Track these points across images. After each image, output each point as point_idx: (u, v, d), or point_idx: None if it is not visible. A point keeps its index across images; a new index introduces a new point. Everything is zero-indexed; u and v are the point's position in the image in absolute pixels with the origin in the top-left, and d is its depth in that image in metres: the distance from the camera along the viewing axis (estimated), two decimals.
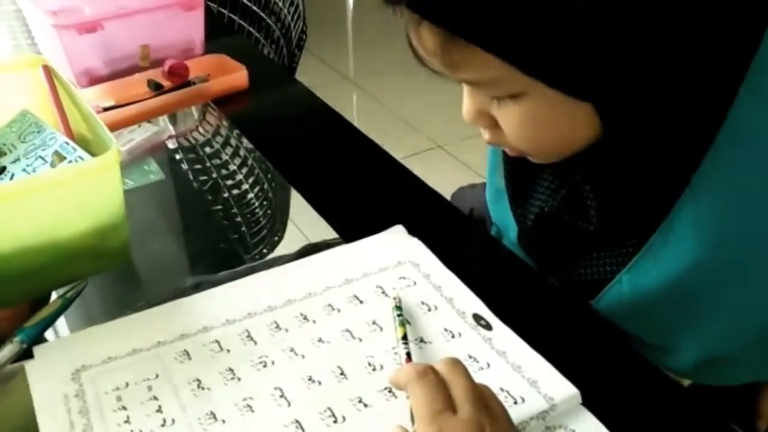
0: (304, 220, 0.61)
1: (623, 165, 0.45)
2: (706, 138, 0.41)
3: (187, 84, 0.75)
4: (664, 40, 0.37)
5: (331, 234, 0.56)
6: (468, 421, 0.33)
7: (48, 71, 0.55)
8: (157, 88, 0.75)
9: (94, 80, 0.75)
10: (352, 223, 0.57)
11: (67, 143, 0.52)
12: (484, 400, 0.35)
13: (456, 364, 0.36)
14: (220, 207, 0.65)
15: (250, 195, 0.67)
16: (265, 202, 0.67)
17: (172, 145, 0.73)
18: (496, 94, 0.43)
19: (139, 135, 0.71)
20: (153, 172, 0.68)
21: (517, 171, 0.55)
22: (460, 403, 0.34)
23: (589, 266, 0.50)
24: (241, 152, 0.72)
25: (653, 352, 0.48)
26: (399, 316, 0.45)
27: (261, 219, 0.65)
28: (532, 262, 0.56)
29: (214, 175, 0.68)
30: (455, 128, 1.99)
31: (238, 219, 0.64)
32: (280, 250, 0.61)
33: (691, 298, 0.46)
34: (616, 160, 0.45)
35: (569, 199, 0.50)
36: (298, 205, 0.62)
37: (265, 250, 0.62)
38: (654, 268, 0.46)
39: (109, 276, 0.54)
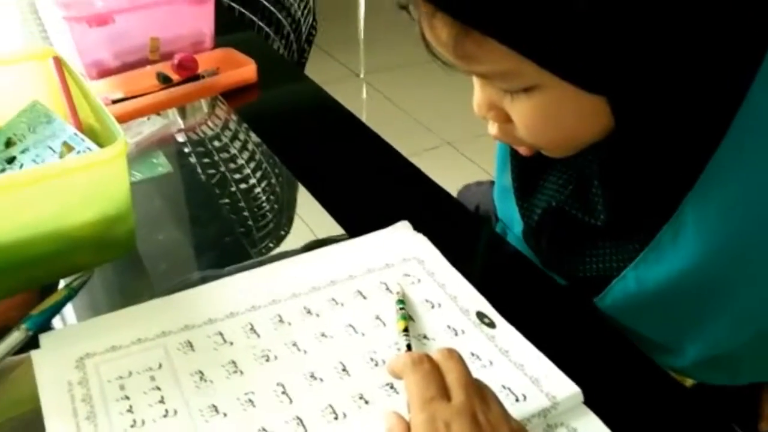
0: (311, 216, 0.61)
1: (634, 159, 0.45)
2: (716, 133, 0.41)
3: (196, 77, 0.75)
4: (677, 31, 0.37)
5: (337, 230, 0.56)
6: (460, 408, 0.33)
7: (58, 63, 0.56)
8: (166, 81, 0.75)
9: (104, 72, 0.76)
10: (358, 218, 0.57)
11: (76, 134, 0.52)
12: (478, 388, 0.35)
13: (451, 353, 0.36)
14: (227, 201, 0.65)
15: (258, 189, 0.67)
16: (272, 197, 0.67)
17: (180, 138, 0.73)
18: (508, 87, 0.42)
19: (148, 128, 0.72)
20: (161, 164, 0.68)
21: (525, 166, 0.54)
22: (454, 390, 0.34)
23: (594, 262, 0.50)
24: (249, 146, 0.72)
25: (656, 350, 0.48)
26: (401, 309, 0.45)
27: (268, 213, 0.65)
28: (536, 259, 0.56)
29: (222, 169, 0.68)
30: (465, 126, 1.99)
31: (245, 213, 0.64)
32: (287, 245, 0.61)
33: (697, 295, 0.45)
34: (628, 155, 0.45)
35: (577, 195, 0.50)
36: (306, 200, 0.62)
37: (271, 245, 0.62)
38: (660, 265, 0.45)
39: (115, 267, 0.54)
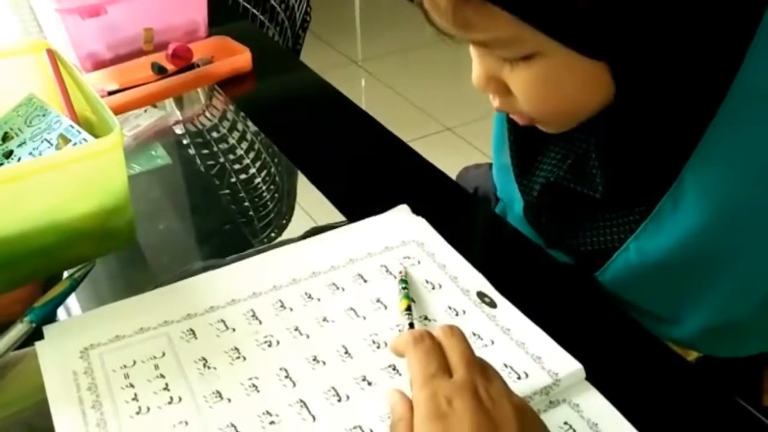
0: (311, 204, 0.61)
1: (634, 128, 0.44)
2: (714, 98, 0.41)
3: (191, 67, 0.75)
4: None
5: (338, 217, 0.56)
6: (462, 384, 0.33)
7: (52, 55, 0.55)
8: (161, 71, 0.75)
9: (98, 64, 0.76)
10: (358, 204, 0.57)
11: (72, 126, 0.52)
12: (480, 365, 0.35)
13: (453, 330, 0.37)
14: (227, 191, 0.65)
15: (257, 179, 0.67)
16: (272, 186, 0.67)
17: (178, 130, 0.73)
18: (508, 55, 0.42)
19: (145, 120, 0.72)
20: (160, 156, 0.68)
21: (523, 143, 0.54)
22: (455, 366, 0.34)
23: (595, 235, 0.49)
24: (248, 136, 0.72)
25: (657, 323, 0.48)
26: (404, 288, 0.45)
27: (268, 203, 0.65)
28: (537, 237, 0.56)
29: (221, 160, 0.68)
30: (464, 111, 1.98)
31: (246, 203, 0.64)
32: (288, 233, 0.61)
33: (699, 264, 0.45)
34: (628, 124, 0.44)
35: (575, 169, 0.49)
36: (306, 188, 0.62)
37: (273, 234, 0.62)
38: (662, 234, 0.45)
39: (117, 258, 0.54)
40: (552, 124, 0.47)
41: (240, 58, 0.77)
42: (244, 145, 0.71)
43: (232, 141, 0.71)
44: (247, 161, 0.68)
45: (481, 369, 0.35)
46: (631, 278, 0.48)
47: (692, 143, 0.42)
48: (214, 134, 0.72)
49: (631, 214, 0.47)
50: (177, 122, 0.74)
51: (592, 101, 0.43)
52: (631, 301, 0.50)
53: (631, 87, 0.41)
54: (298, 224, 0.61)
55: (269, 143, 0.69)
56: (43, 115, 0.54)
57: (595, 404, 0.39)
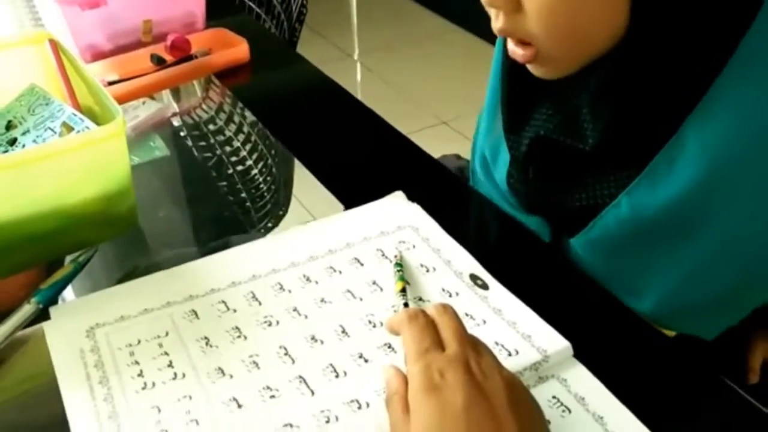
0: (308, 197, 0.62)
1: (636, 76, 0.44)
2: (723, 53, 0.41)
3: (190, 58, 0.76)
4: None
5: (334, 210, 0.58)
6: (454, 357, 0.34)
7: (54, 45, 0.57)
8: (160, 62, 0.76)
9: (97, 55, 0.77)
10: (355, 191, 0.58)
11: (75, 114, 0.53)
12: (471, 341, 0.36)
13: (446, 308, 0.38)
14: (224, 183, 0.66)
15: (254, 171, 0.68)
16: (269, 177, 0.68)
17: (176, 122, 0.74)
18: None
19: (144, 112, 0.73)
20: (158, 148, 0.69)
21: (515, 99, 0.54)
22: (448, 342, 0.36)
23: (584, 190, 0.49)
24: (245, 128, 0.73)
25: (627, 294, 0.48)
26: (399, 271, 0.47)
27: (265, 194, 0.66)
28: (517, 205, 0.55)
29: (218, 151, 0.69)
30: (460, 105, 1.99)
31: (243, 194, 0.65)
32: (285, 224, 0.62)
33: (682, 224, 0.45)
34: (630, 70, 0.44)
35: (566, 124, 0.49)
36: (302, 180, 0.63)
37: (270, 224, 0.63)
38: (657, 189, 0.45)
39: (118, 249, 0.55)
40: (556, 54, 0.45)
41: (238, 49, 0.78)
42: (241, 137, 0.72)
43: (228, 133, 0.72)
44: (243, 153, 0.69)
45: (473, 344, 0.36)
46: (618, 237, 0.48)
47: (695, 98, 0.42)
48: (211, 126, 0.73)
49: (624, 171, 0.47)
50: (174, 114, 0.75)
51: (604, 30, 0.42)
52: (606, 270, 0.50)
53: (645, 23, 0.41)
54: (294, 217, 0.62)
55: (266, 135, 0.70)
56: (46, 104, 0.55)
57: (582, 379, 0.41)
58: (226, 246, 0.51)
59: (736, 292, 0.48)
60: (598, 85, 0.46)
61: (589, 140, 0.47)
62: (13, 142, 0.54)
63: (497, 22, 0.46)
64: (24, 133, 0.55)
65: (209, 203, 0.65)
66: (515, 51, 0.47)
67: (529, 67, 0.48)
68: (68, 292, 0.49)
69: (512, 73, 0.53)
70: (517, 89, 0.52)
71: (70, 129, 0.52)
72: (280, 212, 0.66)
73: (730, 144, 0.43)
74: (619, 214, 0.48)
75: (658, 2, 0.41)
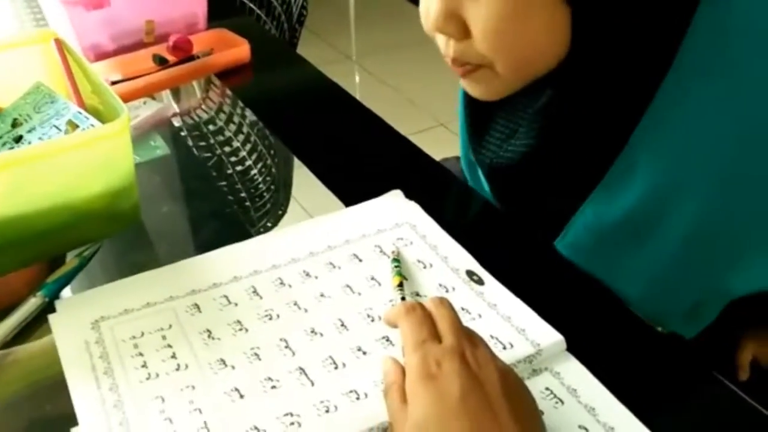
0: (307, 198, 0.63)
1: (583, 91, 0.46)
2: (664, 62, 0.43)
3: (191, 58, 0.77)
4: None
5: (333, 209, 0.59)
6: (450, 348, 0.35)
7: (60, 44, 0.58)
8: (162, 62, 0.77)
9: (101, 55, 0.78)
10: (354, 189, 0.59)
11: (80, 112, 0.54)
12: (467, 332, 0.37)
13: (442, 301, 0.39)
14: (224, 182, 0.67)
15: (254, 171, 0.69)
16: (268, 177, 0.69)
17: (176, 122, 0.75)
18: None
19: (145, 111, 0.74)
20: (159, 147, 0.70)
21: (475, 118, 0.56)
22: (444, 333, 0.37)
23: (549, 205, 0.52)
24: (244, 129, 0.74)
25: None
26: (396, 267, 0.48)
27: (264, 194, 0.67)
28: (502, 206, 0.58)
29: (218, 151, 0.70)
30: (457, 107, 2.01)
31: (243, 194, 0.66)
32: (284, 223, 0.63)
33: (643, 228, 0.48)
34: (576, 86, 0.46)
35: (518, 145, 0.51)
36: (301, 182, 0.64)
37: (269, 224, 0.64)
38: (613, 199, 0.47)
39: (120, 245, 0.56)
40: (504, 71, 0.45)
41: (239, 50, 0.79)
42: (241, 137, 0.73)
43: (228, 133, 0.73)
44: (243, 153, 0.70)
45: (468, 336, 0.37)
46: (590, 243, 0.50)
47: (640, 110, 0.44)
48: (211, 126, 0.74)
49: (582, 181, 0.49)
50: (175, 114, 0.76)
51: (549, 50, 0.44)
52: (589, 271, 0.51)
53: (586, 41, 0.43)
54: (293, 218, 0.63)
55: (265, 135, 0.71)
56: (52, 102, 0.56)
57: (575, 372, 0.42)
58: (225, 244, 0.52)
59: (702, 293, 0.50)
60: (545, 102, 0.48)
61: (539, 153, 0.49)
62: (18, 139, 0.55)
63: (448, 50, 0.46)
64: (30, 131, 0.56)
65: (209, 202, 0.66)
66: (456, 68, 0.48)
67: (468, 86, 0.49)
68: (78, 283, 0.50)
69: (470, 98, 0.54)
70: (478, 113, 0.54)
71: (75, 127, 0.53)
72: (280, 212, 0.67)
73: (681, 149, 0.45)
74: (586, 222, 0.50)
75: (597, 20, 0.42)
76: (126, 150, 0.50)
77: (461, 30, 0.44)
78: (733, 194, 0.45)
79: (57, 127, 0.54)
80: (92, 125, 0.53)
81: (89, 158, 0.48)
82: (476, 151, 0.56)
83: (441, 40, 0.47)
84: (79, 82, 0.57)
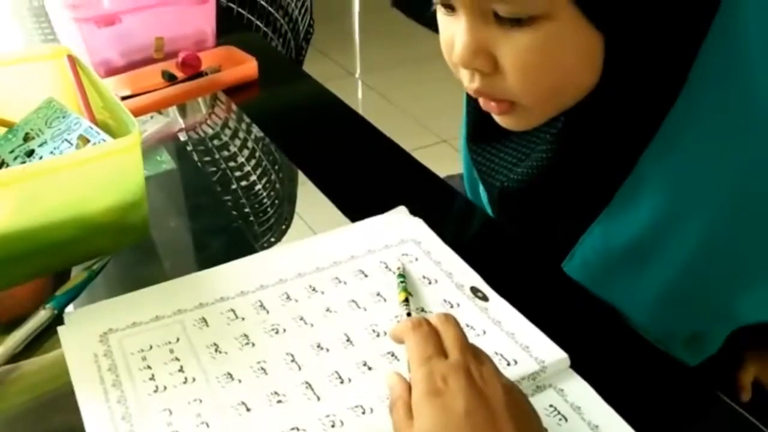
0: (310, 214, 0.64)
1: (601, 119, 0.46)
2: (674, 88, 0.44)
3: (200, 75, 0.78)
4: None
5: (337, 226, 0.59)
6: (456, 364, 0.36)
7: (72, 60, 0.59)
8: (171, 78, 0.78)
9: (111, 71, 0.79)
10: (359, 205, 0.60)
11: (91, 127, 0.55)
12: (472, 348, 0.38)
13: (448, 317, 0.40)
14: (229, 197, 0.68)
15: (258, 186, 0.69)
16: (272, 193, 0.69)
17: (183, 137, 0.76)
18: (517, 11, 0.40)
19: (152, 126, 0.75)
20: (165, 161, 0.71)
21: (482, 141, 0.57)
22: (450, 349, 0.37)
23: (558, 227, 0.52)
24: (249, 144, 0.75)
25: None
26: (402, 282, 0.48)
27: (269, 209, 0.68)
28: (506, 227, 0.59)
29: (223, 166, 0.71)
30: (460, 124, 2.02)
31: (247, 209, 0.67)
32: (288, 240, 0.64)
33: (649, 252, 0.48)
34: (597, 115, 0.46)
35: (527, 169, 0.52)
36: (305, 198, 0.65)
37: (273, 239, 0.65)
38: (621, 221, 0.48)
39: (128, 258, 0.57)
40: (533, 105, 0.45)
41: (246, 66, 0.80)
42: (245, 152, 0.74)
43: (233, 149, 0.74)
44: (248, 168, 0.71)
45: (474, 352, 0.38)
46: (598, 265, 0.51)
47: (649, 136, 0.45)
48: (216, 141, 0.75)
49: (591, 203, 0.50)
50: (181, 129, 0.77)
51: (580, 80, 0.44)
52: (596, 293, 0.52)
53: (620, 67, 0.43)
54: (296, 233, 0.64)
55: (270, 151, 0.72)
56: (63, 117, 0.57)
57: (578, 389, 0.42)
58: (230, 258, 0.53)
59: (707, 320, 0.51)
60: (560, 127, 0.48)
61: (551, 176, 0.50)
62: (30, 153, 0.56)
63: (473, 83, 0.46)
64: (41, 145, 0.56)
65: (214, 217, 0.67)
66: (488, 104, 0.47)
67: (499, 119, 0.49)
68: (86, 296, 0.50)
69: (477, 118, 0.55)
70: (486, 137, 0.55)
71: (86, 141, 0.54)
72: (283, 227, 0.67)
73: (689, 173, 0.45)
74: (593, 244, 0.50)
75: (630, 46, 0.43)
76: (137, 165, 0.51)
77: (490, 64, 0.44)
78: (740, 220, 0.46)
79: (68, 142, 0.55)
80: (103, 140, 0.54)
81: (100, 173, 0.49)
82: (485, 174, 0.57)
83: (465, 74, 0.46)
84: (91, 97, 0.58)
